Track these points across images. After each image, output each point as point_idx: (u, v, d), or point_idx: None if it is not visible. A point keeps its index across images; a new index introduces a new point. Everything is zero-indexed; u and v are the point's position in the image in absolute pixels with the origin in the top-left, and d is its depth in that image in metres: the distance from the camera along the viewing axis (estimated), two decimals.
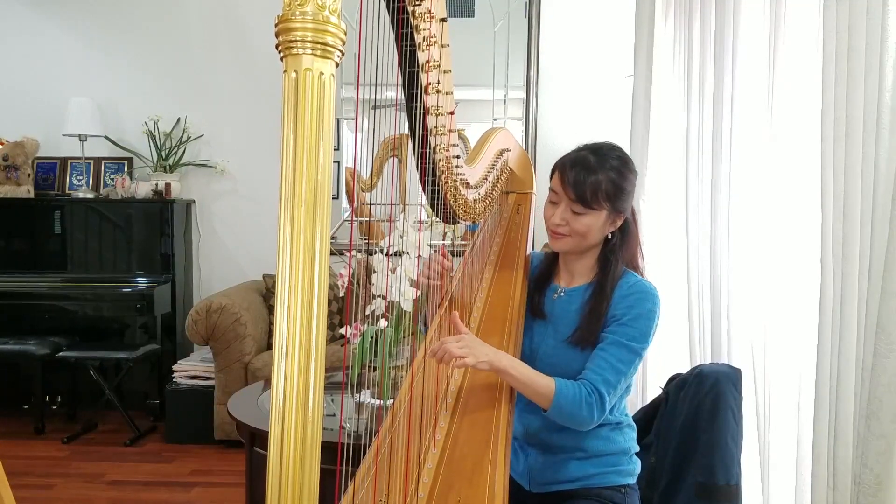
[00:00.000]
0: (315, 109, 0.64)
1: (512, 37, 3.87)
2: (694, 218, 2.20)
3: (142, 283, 3.74)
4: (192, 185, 4.05)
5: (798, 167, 1.83)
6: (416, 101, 1.18)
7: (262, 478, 0.69)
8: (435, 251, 1.52)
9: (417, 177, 1.31)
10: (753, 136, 1.98)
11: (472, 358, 1.24)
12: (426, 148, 1.25)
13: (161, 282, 3.74)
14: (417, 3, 1.08)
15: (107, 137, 3.93)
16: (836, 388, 1.64)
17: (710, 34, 2.11)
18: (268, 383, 2.54)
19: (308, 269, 0.64)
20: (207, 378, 3.43)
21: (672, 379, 1.64)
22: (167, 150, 3.92)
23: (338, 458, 1.02)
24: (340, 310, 3.54)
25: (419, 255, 1.75)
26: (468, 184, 1.42)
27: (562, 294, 1.49)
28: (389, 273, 1.76)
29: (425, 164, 1.27)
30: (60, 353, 3.54)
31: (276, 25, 0.64)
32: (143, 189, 3.81)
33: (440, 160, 1.28)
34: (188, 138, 3.97)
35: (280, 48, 0.64)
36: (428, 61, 1.15)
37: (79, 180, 3.99)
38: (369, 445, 1.21)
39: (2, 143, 3.88)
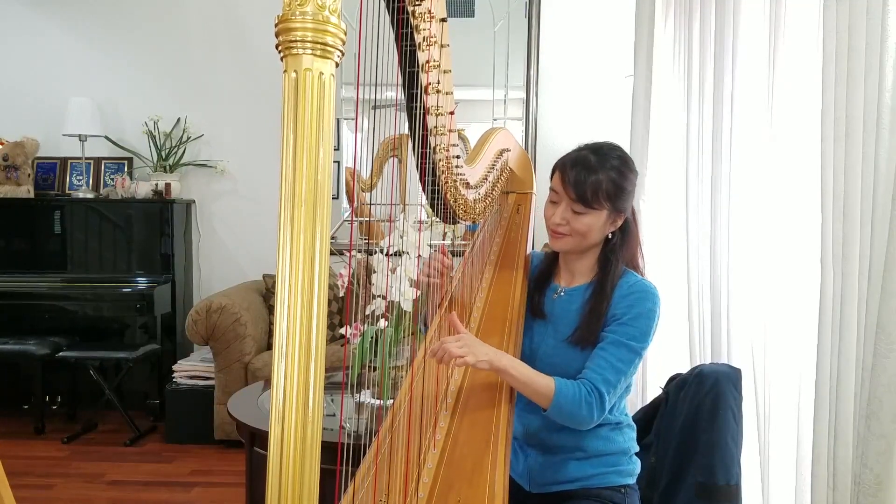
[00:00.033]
0: (315, 109, 0.64)
1: (512, 37, 3.87)
2: (694, 218, 2.20)
3: (142, 283, 3.74)
4: (192, 185, 4.05)
5: (798, 167, 1.83)
6: (416, 101, 1.18)
7: (262, 478, 0.69)
8: (435, 250, 1.52)
9: (417, 177, 1.31)
10: (753, 136, 1.98)
11: (472, 357, 1.24)
12: (426, 148, 1.25)
13: (161, 282, 3.74)
14: (417, 3, 1.08)
15: (107, 137, 3.93)
16: (836, 388, 1.63)
17: (710, 34, 2.11)
18: (268, 383, 2.55)
19: (308, 269, 0.64)
20: (207, 378, 3.43)
21: (672, 379, 1.64)
22: (167, 150, 3.92)
23: (338, 458, 1.02)
24: (340, 310, 3.54)
25: (419, 255, 1.75)
26: (468, 184, 1.42)
27: (562, 294, 1.49)
28: (389, 273, 1.76)
29: (425, 164, 1.27)
30: (60, 353, 3.54)
31: (276, 25, 0.64)
32: (143, 189, 3.81)
33: (440, 160, 1.28)
34: (188, 138, 3.97)
35: (280, 48, 0.64)
36: (428, 61, 1.15)
37: (79, 180, 3.99)
38: (369, 445, 1.21)
39: (2, 143, 3.88)
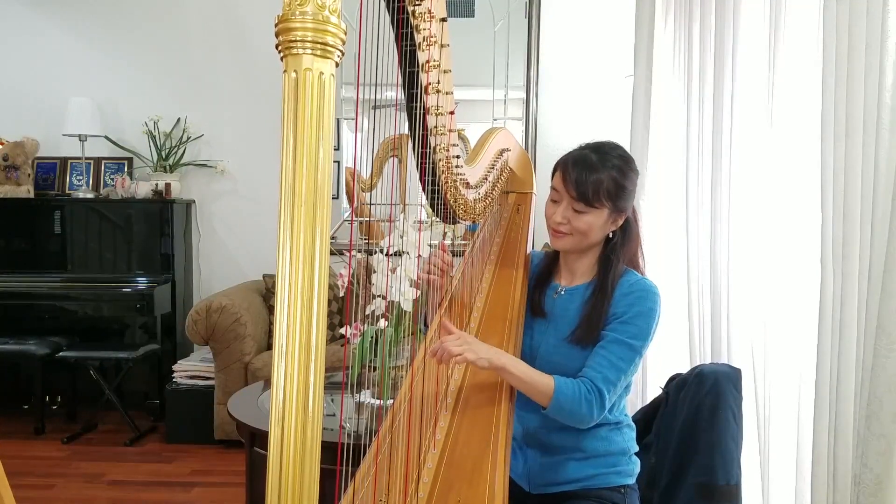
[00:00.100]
0: (315, 109, 0.64)
1: (512, 37, 3.87)
2: (694, 218, 2.20)
3: (142, 283, 3.74)
4: (192, 185, 4.05)
5: (798, 167, 1.83)
6: (416, 101, 1.18)
7: (262, 478, 0.69)
8: (435, 248, 1.52)
9: (417, 177, 1.31)
10: (753, 135, 1.98)
11: (472, 354, 1.24)
12: (426, 148, 1.25)
13: (161, 282, 3.74)
14: (417, 3, 1.08)
15: (107, 137, 3.93)
16: (836, 388, 1.63)
17: (710, 34, 2.11)
18: (268, 383, 2.55)
19: (308, 268, 0.64)
20: (207, 378, 3.43)
21: (672, 379, 1.64)
22: (167, 150, 3.92)
23: (338, 458, 1.02)
24: (340, 310, 3.54)
25: (419, 255, 1.75)
26: (468, 184, 1.42)
27: (562, 293, 1.49)
28: (389, 273, 1.76)
29: (425, 164, 1.27)
30: (60, 353, 3.54)
31: (276, 25, 0.64)
32: (143, 189, 3.81)
33: (440, 160, 1.28)
34: (188, 138, 3.97)
35: (280, 48, 0.64)
36: (428, 61, 1.15)
37: (79, 180, 3.99)
38: (369, 445, 1.21)
39: (2, 143, 3.88)
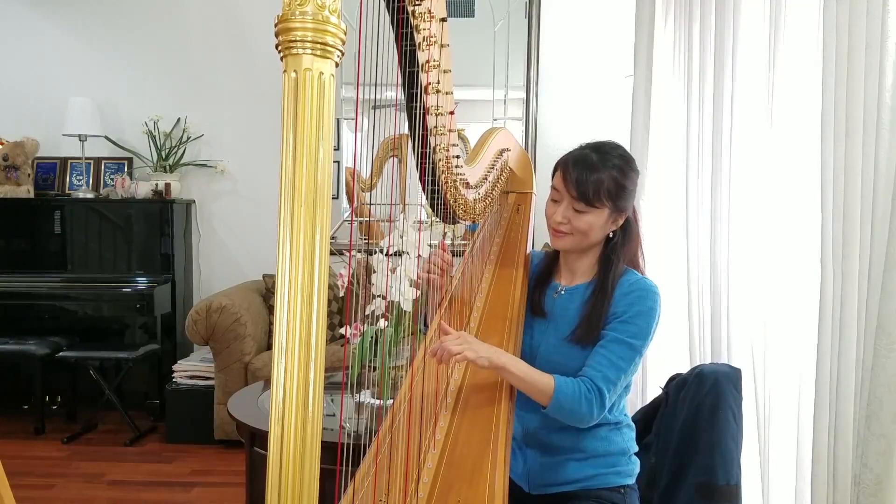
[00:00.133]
0: (315, 109, 0.64)
1: (512, 37, 3.87)
2: (694, 218, 2.20)
3: (142, 283, 3.74)
4: (192, 185, 4.05)
5: (798, 167, 1.83)
6: (416, 101, 1.18)
7: (262, 478, 0.69)
8: (435, 248, 1.52)
9: (417, 177, 1.31)
10: (753, 135, 1.98)
11: (472, 353, 1.24)
12: (426, 148, 1.25)
13: (161, 282, 3.74)
14: (417, 2, 1.08)
15: (107, 137, 3.93)
16: (836, 388, 1.63)
17: (710, 34, 2.11)
18: (268, 383, 2.54)
19: (308, 268, 0.64)
20: (207, 378, 3.43)
21: (672, 379, 1.64)
22: (167, 150, 3.92)
23: (338, 458, 1.02)
24: (340, 310, 3.54)
25: (419, 255, 1.75)
26: (468, 184, 1.42)
27: (562, 292, 1.49)
28: (389, 273, 1.76)
29: (425, 163, 1.27)
30: (60, 353, 3.54)
31: (275, 25, 0.64)
32: (143, 189, 3.81)
33: (440, 160, 1.28)
34: (188, 138, 3.97)
35: (280, 48, 0.64)
36: (428, 61, 1.15)
37: (79, 180, 3.99)
38: (369, 445, 1.21)
39: (2, 143, 3.88)
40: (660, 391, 1.68)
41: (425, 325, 1.57)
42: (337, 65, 0.65)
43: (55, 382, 3.77)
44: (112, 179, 3.93)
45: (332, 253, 1.89)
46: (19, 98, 4.03)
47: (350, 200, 4.01)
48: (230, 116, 4.00)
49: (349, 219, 3.91)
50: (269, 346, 3.47)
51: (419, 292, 1.63)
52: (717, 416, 1.47)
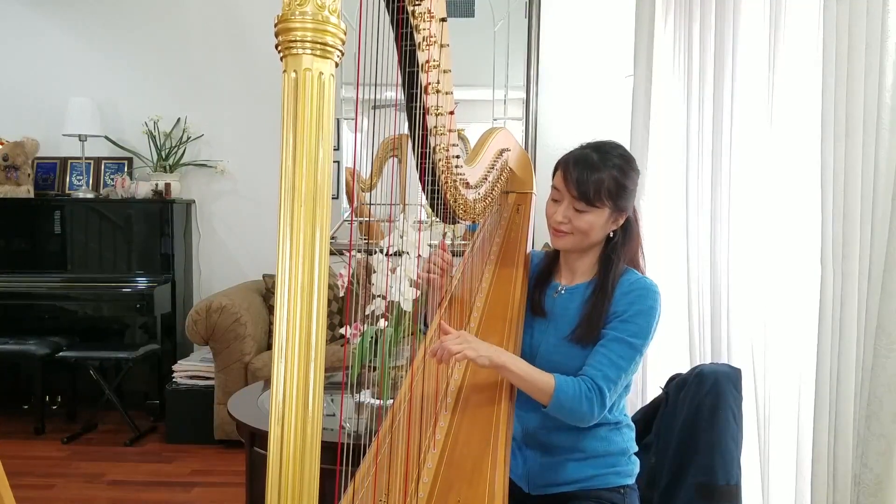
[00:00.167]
0: (315, 109, 0.64)
1: (512, 37, 3.87)
2: (694, 218, 2.20)
3: (142, 283, 3.74)
4: (192, 185, 4.05)
5: (798, 167, 1.83)
6: (416, 101, 1.18)
7: (262, 478, 0.69)
8: (436, 248, 1.52)
9: (417, 177, 1.31)
10: (753, 135, 1.98)
11: (473, 352, 1.24)
12: (426, 148, 1.25)
13: (161, 282, 3.74)
14: (417, 2, 1.08)
15: (107, 137, 3.93)
16: (836, 388, 1.63)
17: (710, 34, 2.11)
18: (268, 383, 2.54)
19: (308, 268, 0.64)
20: (207, 378, 3.43)
21: (672, 379, 1.64)
22: (167, 150, 3.92)
23: (338, 458, 1.02)
24: (340, 310, 3.54)
25: (419, 255, 1.75)
26: (468, 184, 1.42)
27: (562, 292, 1.49)
28: (389, 273, 1.76)
29: (425, 164, 1.27)
30: (60, 353, 3.54)
31: (275, 25, 0.64)
32: (143, 189, 3.81)
33: (440, 160, 1.28)
34: (188, 138, 3.97)
35: (280, 48, 0.64)
36: (428, 61, 1.15)
37: (79, 180, 3.99)
38: (369, 445, 1.21)
39: (2, 143, 3.88)
40: (660, 391, 1.68)
41: (425, 325, 1.57)
42: (337, 65, 0.65)
43: (55, 382, 3.77)
44: (112, 179, 3.93)
45: (332, 253, 1.89)
46: (19, 98, 4.02)
47: (350, 200, 4.01)
48: (230, 116, 4.00)
49: (349, 219, 3.91)
50: (269, 346, 3.47)
51: (419, 292, 1.63)
52: (717, 416, 1.47)
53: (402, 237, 1.79)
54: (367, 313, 1.90)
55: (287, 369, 0.64)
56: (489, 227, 1.74)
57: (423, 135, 1.23)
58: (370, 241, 3.32)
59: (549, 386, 1.29)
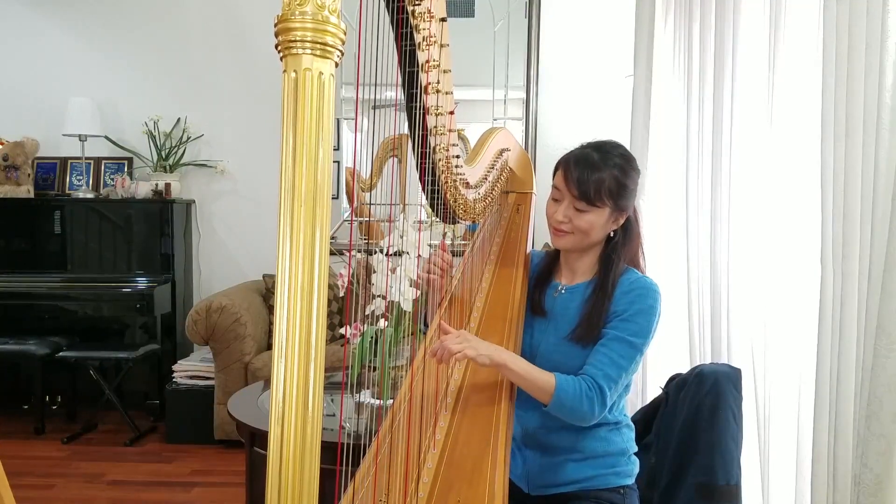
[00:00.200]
0: (315, 109, 0.64)
1: (512, 37, 3.87)
2: (694, 218, 2.20)
3: (142, 283, 3.74)
4: (192, 185, 4.05)
5: (798, 167, 1.83)
6: (416, 101, 1.18)
7: (262, 478, 0.69)
8: (436, 248, 1.52)
9: (417, 177, 1.31)
10: (753, 135, 1.98)
11: (473, 351, 1.24)
12: (426, 148, 1.25)
13: (161, 282, 3.74)
14: (417, 2, 1.08)
15: (107, 137, 3.93)
16: (836, 388, 1.63)
17: (710, 34, 2.11)
18: (268, 383, 2.54)
19: (308, 268, 0.64)
20: (207, 378, 3.43)
21: (672, 379, 1.64)
22: (167, 150, 3.92)
23: (338, 458, 1.02)
24: (340, 310, 3.54)
25: (419, 255, 1.75)
26: (468, 183, 1.42)
27: (563, 291, 1.49)
28: (389, 273, 1.76)
29: (425, 163, 1.27)
30: (60, 353, 3.54)
31: (275, 25, 0.64)
32: (143, 189, 3.81)
33: (440, 160, 1.28)
34: (188, 138, 3.97)
35: (280, 48, 0.64)
36: (428, 61, 1.15)
37: (79, 180, 3.99)
38: (369, 445, 1.21)
39: (2, 143, 3.88)
40: (660, 391, 1.68)
41: (425, 324, 1.57)
42: (337, 65, 0.65)
43: (55, 382, 3.77)
44: (112, 179, 3.93)
45: (332, 253, 1.89)
46: (19, 98, 4.02)
47: (350, 200, 4.01)
48: (230, 116, 4.00)
49: (349, 219, 3.91)
50: (269, 346, 3.47)
51: (419, 292, 1.63)
52: (717, 416, 1.47)
53: (402, 237, 1.79)
54: (367, 313, 1.90)
55: (287, 369, 0.64)
56: (489, 227, 1.74)
57: (423, 135, 1.23)
58: (370, 241, 3.33)
59: (550, 385, 1.29)
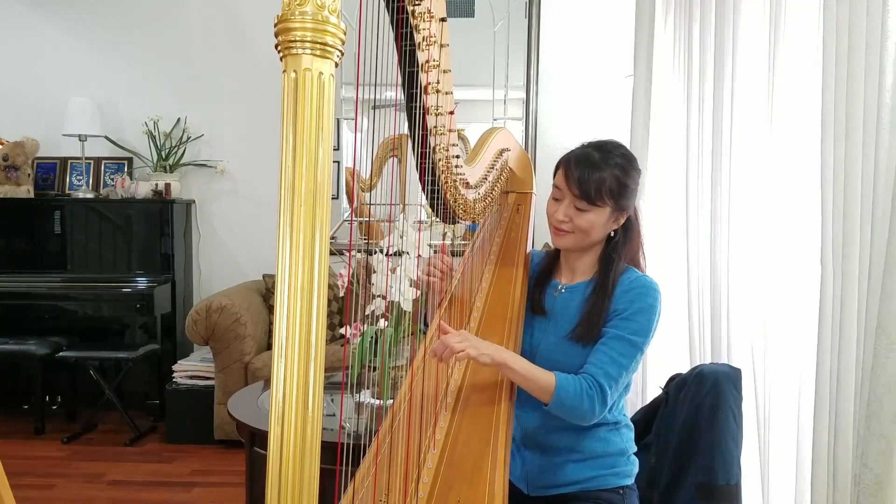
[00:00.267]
0: (315, 109, 0.64)
1: (512, 37, 3.87)
2: (694, 217, 2.20)
3: (142, 283, 3.74)
4: (192, 185, 4.05)
5: (798, 167, 1.83)
6: (416, 101, 1.18)
7: (262, 478, 0.69)
8: (435, 251, 1.52)
9: (417, 177, 1.31)
10: (753, 135, 1.98)
11: (474, 350, 1.24)
12: (426, 148, 1.25)
13: (161, 282, 3.74)
14: (417, 2, 1.08)
15: (107, 137, 3.93)
16: (836, 388, 1.63)
17: (710, 34, 2.11)
18: (268, 383, 2.54)
19: (308, 268, 0.64)
20: (207, 378, 3.43)
21: (672, 379, 1.64)
22: (167, 150, 3.92)
23: (338, 458, 1.02)
24: (340, 310, 3.54)
25: (419, 255, 1.75)
26: (468, 183, 1.42)
27: (563, 291, 1.49)
28: (389, 273, 1.76)
29: (425, 163, 1.27)
30: (60, 353, 3.54)
31: (275, 25, 0.64)
32: (143, 189, 3.81)
33: (440, 160, 1.28)
34: (188, 138, 3.97)
35: (279, 48, 0.64)
36: (427, 61, 1.15)
37: (79, 180, 3.99)
38: (369, 445, 1.21)
39: (2, 143, 3.88)
40: (660, 391, 1.68)
41: (425, 324, 1.57)
42: (337, 65, 0.65)
43: (55, 382, 3.77)
44: (112, 179, 3.93)
45: (332, 253, 1.89)
46: (19, 98, 4.02)
47: (350, 200, 4.01)
48: (230, 116, 4.00)
49: (349, 219, 3.91)
50: (269, 346, 3.47)
51: (419, 292, 1.63)
52: (717, 416, 1.47)
53: (402, 237, 1.79)
54: (367, 313, 1.90)
55: (287, 369, 0.64)
56: (489, 227, 1.74)
57: (422, 135, 1.23)
58: (370, 241, 3.33)
59: (550, 384, 1.29)
